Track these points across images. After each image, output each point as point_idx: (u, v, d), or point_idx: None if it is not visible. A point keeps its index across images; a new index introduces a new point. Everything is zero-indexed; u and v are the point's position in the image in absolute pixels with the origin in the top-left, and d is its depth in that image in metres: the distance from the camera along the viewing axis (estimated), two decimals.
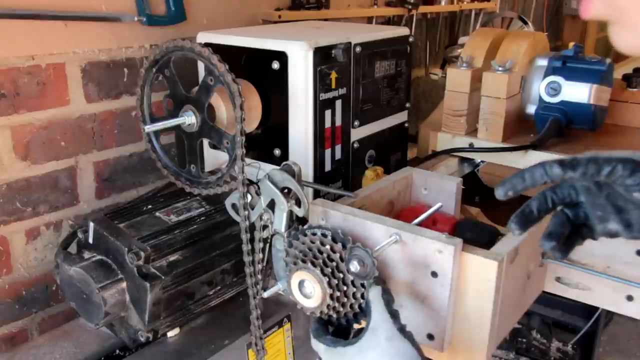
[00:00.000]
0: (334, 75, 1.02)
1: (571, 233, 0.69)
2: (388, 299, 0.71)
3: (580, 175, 0.62)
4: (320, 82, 0.99)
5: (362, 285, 0.73)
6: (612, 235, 0.69)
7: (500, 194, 0.66)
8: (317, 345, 0.75)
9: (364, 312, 0.74)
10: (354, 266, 0.71)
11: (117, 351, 0.99)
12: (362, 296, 0.73)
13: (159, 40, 1.17)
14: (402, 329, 0.69)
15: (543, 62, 1.21)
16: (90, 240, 0.97)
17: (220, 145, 0.91)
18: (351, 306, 0.74)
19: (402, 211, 0.96)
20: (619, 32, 0.52)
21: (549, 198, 0.68)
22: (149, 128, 0.95)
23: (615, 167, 0.61)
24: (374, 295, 0.70)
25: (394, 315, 0.69)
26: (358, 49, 1.06)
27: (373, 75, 1.12)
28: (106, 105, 1.19)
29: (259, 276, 0.87)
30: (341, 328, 0.77)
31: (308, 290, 0.75)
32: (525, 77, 1.23)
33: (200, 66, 1.09)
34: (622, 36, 0.51)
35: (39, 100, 1.08)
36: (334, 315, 0.75)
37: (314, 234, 0.75)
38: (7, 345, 1.11)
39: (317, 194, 1.03)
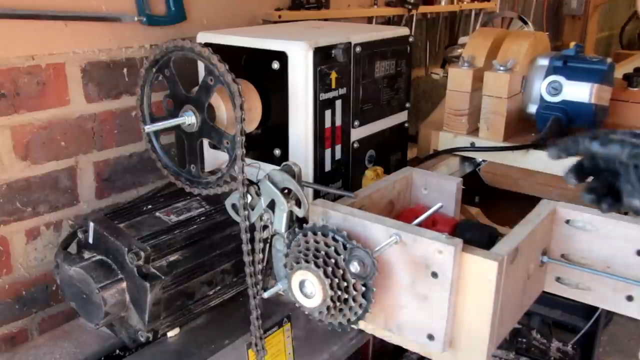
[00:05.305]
0: (334, 75, 1.02)
1: (608, 192, 0.73)
2: None
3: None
4: (320, 82, 0.99)
5: (363, 285, 0.73)
6: (635, 211, 0.73)
7: (553, 154, 0.72)
8: None
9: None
10: (354, 266, 0.71)
11: (117, 351, 0.99)
12: (363, 296, 0.73)
13: (159, 40, 1.17)
14: None
15: (544, 62, 1.22)
16: (90, 240, 0.97)
17: (220, 145, 0.91)
18: (352, 306, 0.74)
19: (402, 212, 0.96)
20: None
21: (597, 160, 0.71)
22: (149, 128, 0.95)
23: None
24: None
25: None
26: (358, 49, 1.06)
27: (373, 75, 1.12)
28: (106, 105, 1.18)
29: (259, 276, 0.87)
30: None
31: (309, 290, 0.75)
32: (526, 76, 1.23)
33: (200, 66, 1.09)
34: None
35: (39, 100, 1.08)
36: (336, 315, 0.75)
37: (315, 234, 0.75)
38: (7, 345, 1.11)
39: (317, 194, 1.03)
